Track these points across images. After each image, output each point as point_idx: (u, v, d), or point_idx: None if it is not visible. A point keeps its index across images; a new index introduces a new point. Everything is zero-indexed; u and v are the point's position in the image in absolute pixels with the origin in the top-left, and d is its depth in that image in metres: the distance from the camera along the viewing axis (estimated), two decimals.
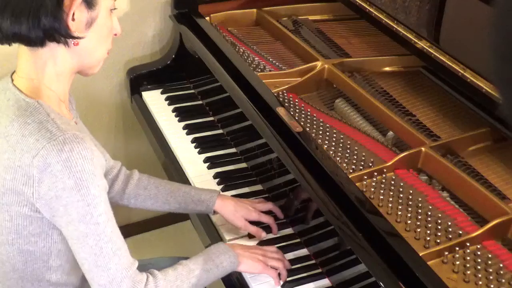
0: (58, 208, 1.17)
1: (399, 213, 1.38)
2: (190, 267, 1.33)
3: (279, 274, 1.43)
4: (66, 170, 1.14)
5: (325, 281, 1.45)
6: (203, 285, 1.36)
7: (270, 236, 1.57)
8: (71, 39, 1.21)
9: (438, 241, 1.32)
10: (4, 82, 1.27)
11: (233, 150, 1.87)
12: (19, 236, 1.24)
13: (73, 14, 1.18)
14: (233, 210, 1.55)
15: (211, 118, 2.01)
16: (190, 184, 1.76)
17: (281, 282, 1.43)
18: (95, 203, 1.17)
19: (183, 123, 1.98)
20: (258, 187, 1.73)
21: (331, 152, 1.55)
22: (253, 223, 1.56)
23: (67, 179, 1.14)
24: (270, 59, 1.94)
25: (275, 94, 1.71)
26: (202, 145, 1.89)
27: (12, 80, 1.26)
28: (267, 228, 1.57)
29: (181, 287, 1.30)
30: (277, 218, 1.61)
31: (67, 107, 1.31)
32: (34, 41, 1.19)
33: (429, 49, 1.57)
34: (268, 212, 1.60)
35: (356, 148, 1.57)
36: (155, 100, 2.10)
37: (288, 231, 1.59)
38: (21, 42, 1.21)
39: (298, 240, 1.56)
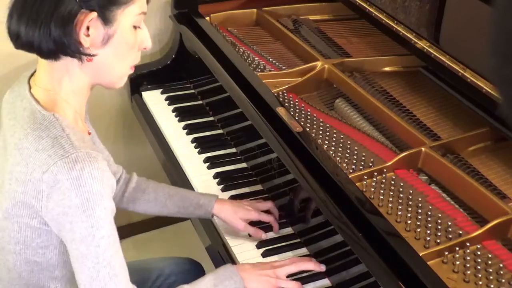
0: (64, 224, 1.16)
1: (399, 213, 1.38)
2: None
3: None
4: (74, 189, 1.12)
5: (325, 281, 1.45)
6: None
7: (271, 235, 1.57)
8: (85, 56, 1.18)
9: (438, 241, 1.32)
10: (22, 88, 1.25)
11: (233, 150, 1.87)
12: (27, 247, 1.23)
13: (88, 29, 1.15)
14: (231, 212, 1.54)
15: (211, 118, 2.01)
16: (190, 184, 1.76)
17: None
18: (99, 225, 1.15)
19: (183, 123, 1.98)
20: (258, 187, 1.73)
21: (331, 152, 1.55)
22: (254, 223, 1.56)
23: (74, 198, 1.12)
24: (270, 59, 1.94)
25: (275, 94, 1.71)
26: (202, 145, 1.89)
27: (30, 88, 1.24)
28: (267, 228, 1.57)
29: None
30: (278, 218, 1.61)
31: (83, 119, 1.29)
32: (47, 54, 1.17)
33: (429, 49, 1.57)
34: (268, 212, 1.59)
35: (356, 148, 1.57)
36: (155, 100, 2.10)
37: (288, 231, 1.59)
38: (35, 52, 1.18)
39: (298, 240, 1.56)
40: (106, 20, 1.17)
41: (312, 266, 1.43)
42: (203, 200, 1.56)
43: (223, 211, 1.55)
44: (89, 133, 1.33)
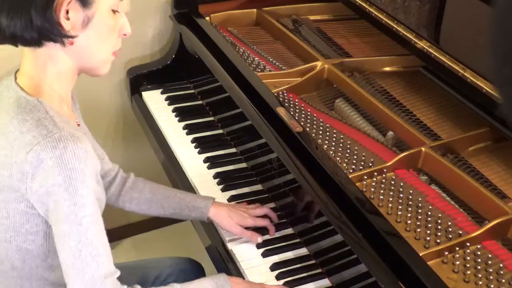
0: (49, 204, 1.17)
1: (399, 213, 1.38)
2: None
3: None
4: (57, 167, 1.13)
5: (325, 281, 1.45)
6: None
7: (271, 235, 1.57)
8: (66, 38, 1.20)
9: (438, 241, 1.32)
10: (8, 80, 1.28)
11: (233, 150, 1.87)
12: (17, 234, 1.24)
13: (67, 12, 1.18)
14: (227, 217, 1.54)
15: (211, 118, 2.01)
16: (190, 184, 1.76)
17: None
18: (82, 203, 1.16)
19: (183, 123, 1.98)
20: (258, 187, 1.73)
21: (331, 152, 1.55)
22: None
23: (57, 176, 1.14)
24: (270, 59, 1.94)
25: (275, 94, 1.71)
26: (202, 145, 1.89)
27: (16, 78, 1.26)
28: (264, 230, 1.57)
29: None
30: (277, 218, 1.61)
31: (70, 108, 1.31)
32: (30, 41, 1.19)
33: (429, 49, 1.57)
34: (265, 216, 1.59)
35: (356, 148, 1.57)
36: (155, 100, 2.10)
37: (288, 231, 1.59)
38: (19, 42, 1.21)
39: (298, 240, 1.56)
40: (84, 2, 1.20)
41: None
42: (199, 202, 1.56)
43: (218, 215, 1.55)
44: (78, 125, 1.33)
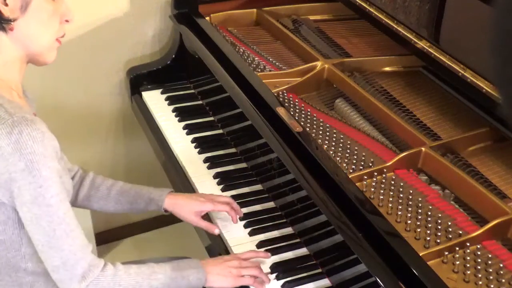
0: (13, 190, 1.18)
1: (399, 213, 1.38)
2: (155, 269, 1.33)
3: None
4: (17, 153, 1.15)
5: (325, 281, 1.45)
6: None
7: (271, 236, 1.57)
8: (6, 24, 1.20)
9: (438, 241, 1.32)
10: None
11: (233, 150, 1.87)
12: None
13: None
14: (183, 206, 1.54)
15: (211, 118, 2.01)
16: (190, 184, 1.76)
17: (267, 282, 1.43)
18: (47, 185, 1.18)
19: (183, 123, 1.98)
20: (258, 187, 1.73)
21: (331, 152, 1.55)
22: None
23: (17, 161, 1.15)
24: (270, 59, 1.94)
25: (275, 94, 1.71)
26: (202, 145, 1.89)
27: None
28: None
29: (141, 285, 1.30)
30: (276, 219, 1.61)
31: (20, 95, 1.31)
32: None
33: (429, 49, 1.57)
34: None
35: (356, 148, 1.57)
36: (155, 100, 2.10)
37: (288, 231, 1.59)
38: None
39: (298, 240, 1.56)
40: None
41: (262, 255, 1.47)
42: (153, 194, 1.55)
43: (174, 206, 1.55)
44: (34, 114, 1.32)
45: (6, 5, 1.19)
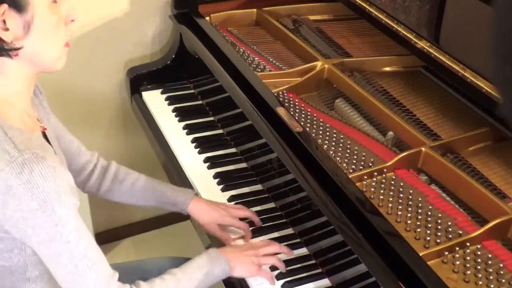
0: (26, 230, 1.14)
1: (399, 213, 1.38)
2: (178, 276, 1.32)
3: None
4: (29, 193, 1.10)
5: (325, 281, 1.45)
6: None
7: (271, 236, 1.57)
8: (11, 51, 1.14)
9: (438, 241, 1.32)
10: None
11: (233, 150, 1.87)
12: None
13: (4, 22, 1.11)
14: (205, 212, 1.54)
15: (211, 118, 2.01)
16: (190, 184, 1.76)
17: (284, 271, 1.44)
18: (63, 222, 1.14)
19: (183, 123, 1.98)
20: (258, 187, 1.73)
21: (331, 152, 1.55)
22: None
23: (30, 201, 1.11)
24: (270, 59, 1.94)
25: (275, 94, 1.71)
26: (202, 145, 1.89)
27: None
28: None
29: None
30: (276, 219, 1.61)
31: (31, 115, 1.25)
32: None
33: (429, 49, 1.57)
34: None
35: (356, 148, 1.57)
36: (155, 100, 2.10)
37: (288, 231, 1.59)
38: None
39: (298, 240, 1.56)
40: (19, 7, 1.11)
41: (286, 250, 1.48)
42: (179, 197, 1.56)
43: (197, 211, 1.55)
44: (45, 129, 1.28)
45: (7, 29, 1.12)
